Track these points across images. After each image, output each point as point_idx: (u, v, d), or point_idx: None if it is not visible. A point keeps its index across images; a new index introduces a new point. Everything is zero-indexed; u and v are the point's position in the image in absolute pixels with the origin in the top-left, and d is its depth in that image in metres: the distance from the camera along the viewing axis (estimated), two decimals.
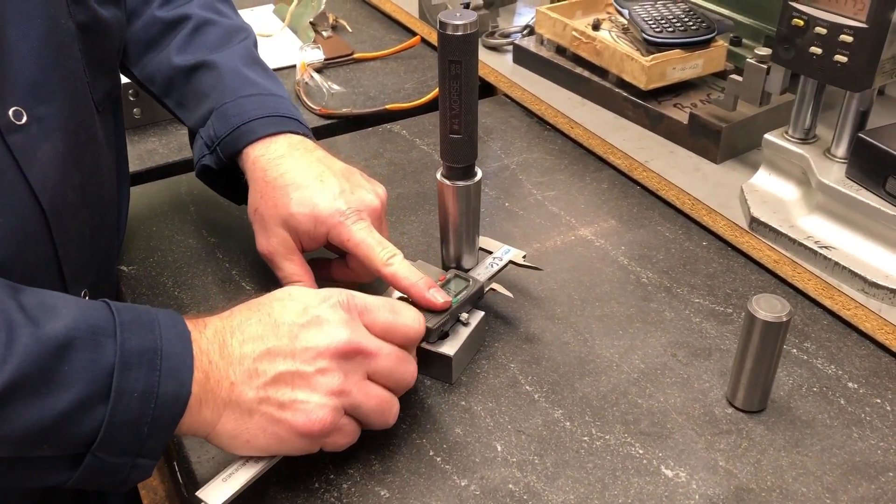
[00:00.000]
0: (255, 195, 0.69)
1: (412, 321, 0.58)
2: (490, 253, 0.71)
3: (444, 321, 0.62)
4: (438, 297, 0.62)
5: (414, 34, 1.20)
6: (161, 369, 0.49)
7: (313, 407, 0.52)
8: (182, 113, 0.77)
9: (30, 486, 0.50)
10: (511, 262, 0.70)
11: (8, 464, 0.47)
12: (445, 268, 0.70)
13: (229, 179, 0.75)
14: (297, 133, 0.72)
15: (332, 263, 0.71)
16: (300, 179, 0.67)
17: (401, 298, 0.63)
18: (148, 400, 0.48)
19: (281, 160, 0.69)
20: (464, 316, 0.65)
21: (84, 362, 0.47)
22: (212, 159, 0.73)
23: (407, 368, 0.57)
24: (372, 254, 0.64)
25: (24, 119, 0.57)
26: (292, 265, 0.68)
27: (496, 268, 0.69)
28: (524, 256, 0.71)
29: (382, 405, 0.56)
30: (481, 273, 0.69)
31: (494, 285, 0.69)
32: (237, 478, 0.53)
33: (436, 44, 0.59)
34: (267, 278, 0.71)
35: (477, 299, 0.67)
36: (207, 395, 0.51)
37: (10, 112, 0.56)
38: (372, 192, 0.68)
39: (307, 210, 0.66)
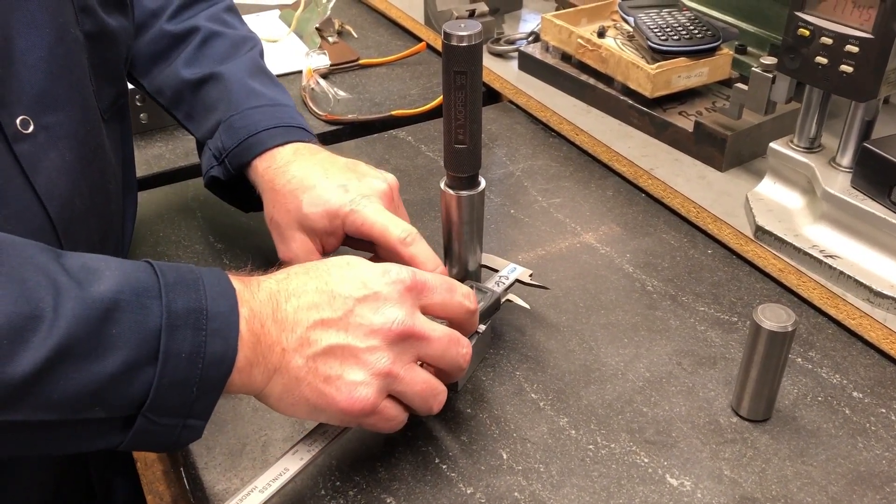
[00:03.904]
0: (267, 205, 0.70)
1: (464, 297, 0.58)
2: (496, 271, 0.70)
3: None
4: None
5: (419, 40, 1.21)
6: (207, 329, 0.48)
7: (357, 385, 0.52)
8: (191, 125, 0.78)
9: (83, 450, 0.50)
10: (518, 280, 0.70)
11: (62, 427, 0.47)
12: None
13: (238, 188, 0.76)
14: (303, 141, 0.73)
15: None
16: (307, 181, 0.67)
17: None
18: (195, 360, 0.48)
19: (287, 167, 0.69)
20: (480, 327, 0.64)
21: (131, 324, 0.46)
22: (220, 171, 0.73)
23: (458, 351, 0.56)
24: (387, 232, 0.64)
25: (31, 128, 0.57)
26: None
27: (504, 286, 0.69)
28: (531, 275, 0.70)
29: (427, 391, 0.55)
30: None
31: (511, 296, 0.69)
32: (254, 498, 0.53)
33: (441, 50, 0.60)
34: None
35: (493, 311, 0.67)
36: (258, 357, 0.51)
37: (18, 121, 0.56)
38: (380, 178, 0.68)
39: (319, 208, 0.66)
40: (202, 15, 0.80)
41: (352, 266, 0.55)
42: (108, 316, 0.46)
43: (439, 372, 0.57)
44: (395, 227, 0.64)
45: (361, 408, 0.52)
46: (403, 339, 0.54)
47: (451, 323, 0.58)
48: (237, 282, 0.52)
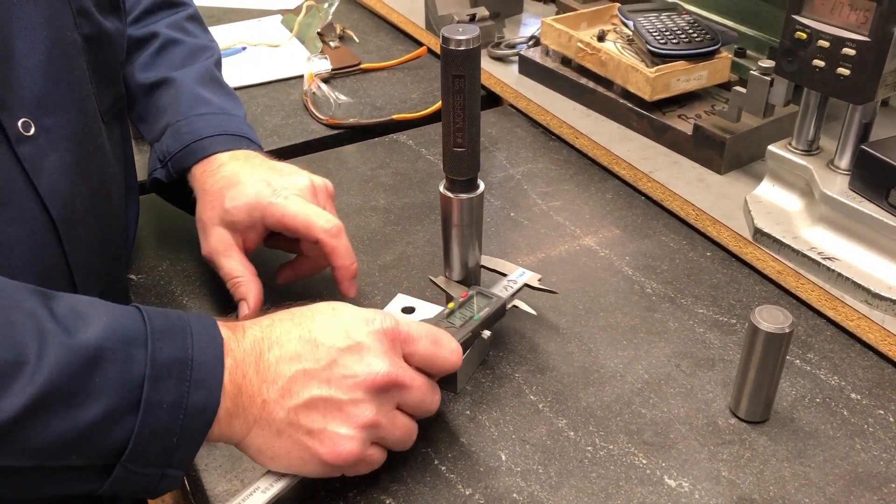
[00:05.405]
0: (198, 206, 0.72)
1: (451, 353, 0.57)
2: (504, 275, 0.70)
3: (465, 337, 0.62)
4: (350, 291, 0.67)
5: (420, 45, 1.21)
6: (191, 380, 0.48)
7: (341, 439, 0.52)
8: (142, 127, 0.80)
9: (61, 494, 0.50)
10: (526, 285, 0.70)
11: (38, 473, 0.47)
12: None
13: (180, 191, 0.77)
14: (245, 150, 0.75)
15: (295, 262, 0.73)
16: (233, 179, 0.69)
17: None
18: (177, 411, 0.48)
19: (220, 169, 0.72)
20: (485, 333, 0.64)
21: (115, 373, 0.46)
22: (163, 173, 0.76)
23: (434, 398, 0.57)
24: (310, 222, 0.65)
25: (33, 130, 0.58)
26: (231, 261, 0.69)
27: (511, 290, 0.68)
28: (539, 279, 0.70)
29: (407, 434, 0.56)
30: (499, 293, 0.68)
31: (517, 302, 0.69)
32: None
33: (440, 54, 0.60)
34: (274, 289, 0.72)
35: (499, 317, 0.66)
36: (239, 409, 0.51)
37: (19, 123, 0.57)
38: (304, 176, 0.70)
39: (240, 202, 0.68)
40: (163, 22, 0.82)
41: (336, 313, 0.55)
42: (92, 364, 0.46)
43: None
44: (319, 218, 0.64)
45: (346, 460, 0.52)
46: (387, 390, 0.53)
47: (433, 375, 0.58)
48: (224, 329, 0.52)
